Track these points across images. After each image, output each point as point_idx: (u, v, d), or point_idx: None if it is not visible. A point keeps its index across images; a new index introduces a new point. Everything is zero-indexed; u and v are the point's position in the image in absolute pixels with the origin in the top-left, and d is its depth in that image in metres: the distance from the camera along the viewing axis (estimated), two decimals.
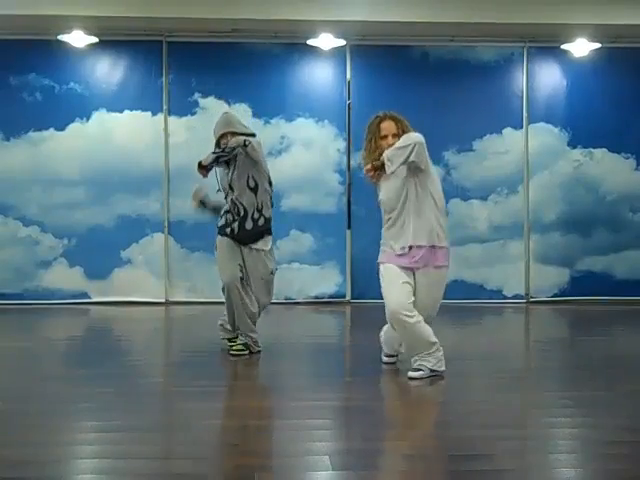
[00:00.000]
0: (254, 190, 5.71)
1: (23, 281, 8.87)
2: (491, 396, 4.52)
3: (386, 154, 4.92)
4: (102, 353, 6.03)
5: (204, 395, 4.56)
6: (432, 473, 3.28)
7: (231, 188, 5.74)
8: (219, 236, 5.81)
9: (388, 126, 5.07)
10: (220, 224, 5.82)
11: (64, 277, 8.89)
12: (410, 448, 3.60)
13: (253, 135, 5.84)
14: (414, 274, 4.96)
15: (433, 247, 4.96)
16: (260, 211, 5.73)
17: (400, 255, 4.95)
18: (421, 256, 4.93)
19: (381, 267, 5.06)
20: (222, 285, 5.73)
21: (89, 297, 8.90)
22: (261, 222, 5.75)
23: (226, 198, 5.82)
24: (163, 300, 8.92)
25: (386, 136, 5.05)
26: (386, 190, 5.06)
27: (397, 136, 5.01)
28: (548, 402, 4.50)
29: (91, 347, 6.42)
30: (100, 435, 3.77)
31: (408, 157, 4.85)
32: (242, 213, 5.71)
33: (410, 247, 4.93)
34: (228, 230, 5.76)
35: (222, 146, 5.67)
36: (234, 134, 5.70)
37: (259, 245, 5.77)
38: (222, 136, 5.75)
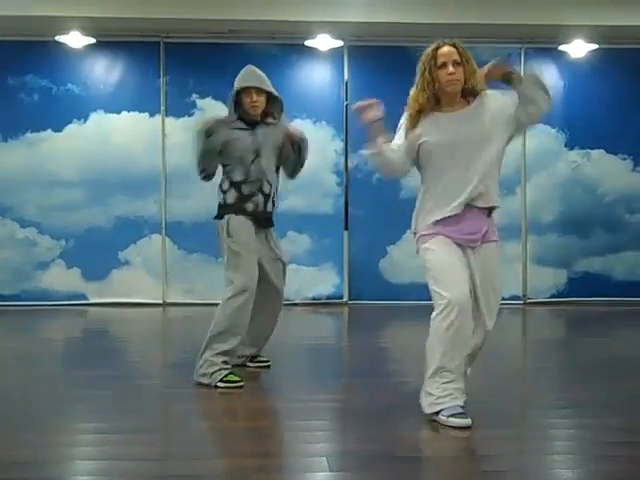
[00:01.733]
0: (277, 173, 5.09)
1: (20, 282, 8.87)
2: (488, 397, 4.52)
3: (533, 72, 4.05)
4: (99, 354, 6.02)
5: (201, 396, 4.55)
6: (430, 474, 3.27)
7: (257, 154, 4.92)
8: (239, 216, 4.85)
9: (447, 52, 3.97)
10: (234, 199, 4.89)
11: (62, 278, 8.89)
12: (408, 449, 3.60)
13: (280, 101, 5.11)
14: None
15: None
16: (274, 199, 5.07)
17: None
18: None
19: None
20: (236, 290, 4.80)
21: (87, 298, 8.90)
22: (273, 212, 5.09)
23: (247, 164, 4.89)
24: (160, 301, 8.93)
25: (445, 64, 3.95)
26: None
27: (459, 65, 3.95)
28: (545, 403, 4.50)
29: (88, 348, 6.42)
30: (97, 436, 3.77)
31: (547, 97, 4.08)
32: (267, 191, 4.96)
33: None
34: (250, 206, 4.87)
35: (250, 104, 4.86)
36: (260, 91, 4.91)
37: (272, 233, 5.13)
38: (246, 90, 4.88)
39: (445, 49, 3.99)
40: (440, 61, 3.97)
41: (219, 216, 4.94)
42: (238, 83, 4.93)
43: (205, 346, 4.83)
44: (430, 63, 3.99)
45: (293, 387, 4.94)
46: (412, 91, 4.11)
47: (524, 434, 3.89)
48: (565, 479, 3.19)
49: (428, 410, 3.91)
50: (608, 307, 8.88)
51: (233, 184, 4.91)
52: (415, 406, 4.36)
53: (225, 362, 4.80)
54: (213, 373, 4.74)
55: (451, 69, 3.95)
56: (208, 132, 4.88)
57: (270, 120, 5.08)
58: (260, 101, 4.95)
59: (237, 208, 4.89)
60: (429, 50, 4.03)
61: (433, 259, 3.95)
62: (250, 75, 4.94)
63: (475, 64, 4.05)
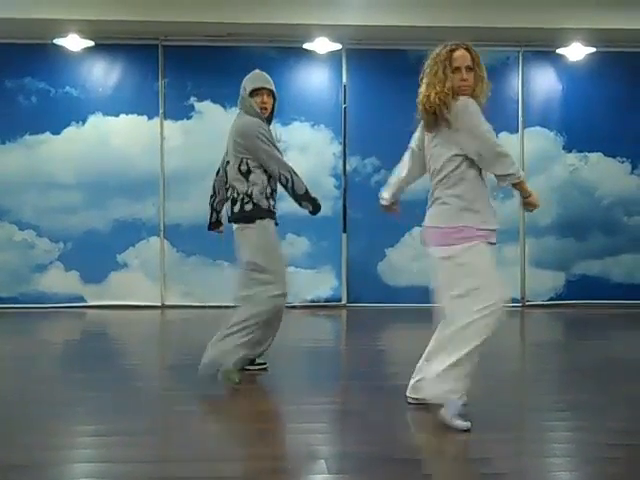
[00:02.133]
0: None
1: (19, 285, 8.86)
2: (487, 399, 4.52)
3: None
4: (98, 357, 6.02)
5: (199, 399, 4.55)
6: (428, 477, 3.27)
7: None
8: (271, 222, 5.09)
9: (462, 56, 3.99)
10: (272, 206, 5.12)
11: (60, 281, 8.89)
12: (406, 452, 3.60)
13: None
14: None
15: None
16: None
17: None
18: None
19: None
20: (274, 295, 4.97)
21: (85, 301, 8.90)
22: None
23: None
24: (159, 304, 8.92)
25: (459, 68, 3.97)
26: None
27: (472, 70, 3.99)
28: (544, 405, 4.50)
29: (87, 351, 6.41)
30: (96, 439, 3.77)
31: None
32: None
33: None
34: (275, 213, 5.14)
35: (261, 105, 5.06)
36: (271, 93, 5.14)
37: None
38: (257, 90, 5.08)
39: (459, 52, 3.99)
40: (455, 65, 3.97)
41: (251, 219, 5.02)
42: (252, 83, 5.09)
43: (229, 333, 4.89)
44: (444, 64, 3.97)
45: (292, 390, 4.94)
46: (421, 88, 4.03)
47: (523, 436, 3.89)
48: None
49: (433, 397, 3.91)
50: (606, 310, 8.89)
51: (272, 191, 5.13)
52: (413, 409, 4.35)
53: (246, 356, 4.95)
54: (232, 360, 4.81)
55: (465, 75, 3.96)
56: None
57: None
58: (269, 103, 5.12)
59: (272, 215, 5.13)
60: (443, 51, 4.00)
61: (483, 260, 4.04)
62: (262, 77, 5.15)
63: (484, 69, 4.04)
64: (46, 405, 4.41)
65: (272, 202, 5.11)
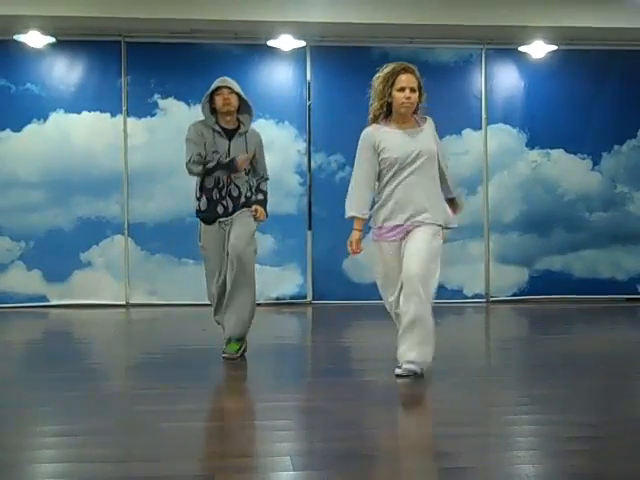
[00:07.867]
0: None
1: None
2: (452, 395, 4.55)
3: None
4: (61, 356, 5.96)
5: (164, 397, 4.52)
6: (394, 472, 3.28)
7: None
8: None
9: (407, 79, 4.81)
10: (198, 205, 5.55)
11: (22, 280, 8.79)
12: (372, 448, 3.60)
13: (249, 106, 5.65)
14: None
15: None
16: None
17: None
18: None
19: None
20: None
21: (48, 300, 8.81)
22: None
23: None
24: (123, 302, 8.86)
25: (403, 88, 4.80)
26: None
27: (415, 91, 4.81)
28: (507, 400, 4.53)
29: (50, 350, 6.35)
30: (59, 439, 3.72)
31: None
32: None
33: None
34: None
35: (219, 103, 5.49)
36: (232, 91, 5.49)
37: None
38: (218, 90, 5.49)
39: (404, 77, 4.77)
40: (400, 86, 4.77)
41: None
42: (214, 85, 5.54)
43: None
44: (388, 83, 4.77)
45: (257, 387, 4.94)
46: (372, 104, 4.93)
47: (487, 431, 3.91)
48: (527, 474, 3.21)
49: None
50: (569, 305, 8.99)
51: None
52: (379, 405, 4.37)
53: None
54: None
55: (408, 94, 4.79)
56: None
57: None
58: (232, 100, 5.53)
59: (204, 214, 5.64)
60: (389, 72, 4.79)
61: None
62: (222, 79, 5.58)
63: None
64: (8, 406, 4.35)
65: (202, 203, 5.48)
